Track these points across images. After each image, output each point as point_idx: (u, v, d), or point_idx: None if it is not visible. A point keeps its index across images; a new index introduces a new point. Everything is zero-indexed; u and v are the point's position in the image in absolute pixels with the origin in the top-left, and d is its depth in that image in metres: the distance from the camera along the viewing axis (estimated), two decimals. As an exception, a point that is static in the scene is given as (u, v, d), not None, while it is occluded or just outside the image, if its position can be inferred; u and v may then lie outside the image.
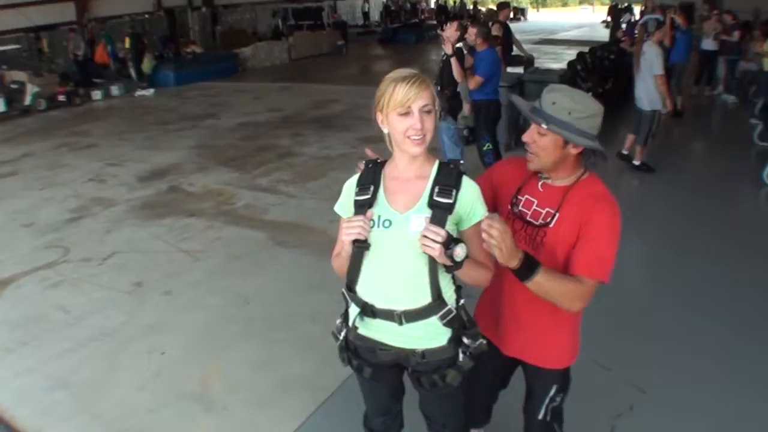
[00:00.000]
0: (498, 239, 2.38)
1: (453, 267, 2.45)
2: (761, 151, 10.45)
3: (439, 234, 2.38)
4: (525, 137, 2.73)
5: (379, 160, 2.73)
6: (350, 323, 2.79)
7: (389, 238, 2.57)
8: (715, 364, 4.82)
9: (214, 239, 7.42)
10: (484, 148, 8.64)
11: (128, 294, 6.14)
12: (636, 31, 18.84)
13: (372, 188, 2.64)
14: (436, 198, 2.56)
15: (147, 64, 19.67)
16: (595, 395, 4.30)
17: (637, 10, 25.28)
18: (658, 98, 9.19)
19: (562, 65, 14.68)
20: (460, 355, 2.71)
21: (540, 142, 2.67)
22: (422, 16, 38.49)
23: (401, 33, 32.78)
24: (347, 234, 2.52)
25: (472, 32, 8.49)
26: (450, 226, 2.55)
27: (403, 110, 2.49)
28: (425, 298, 2.61)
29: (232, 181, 9.66)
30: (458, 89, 8.60)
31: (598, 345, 4.63)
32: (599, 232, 2.64)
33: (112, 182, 9.83)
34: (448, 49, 8.17)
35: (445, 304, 2.64)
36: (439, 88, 8.35)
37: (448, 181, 2.59)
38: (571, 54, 17.43)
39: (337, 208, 2.76)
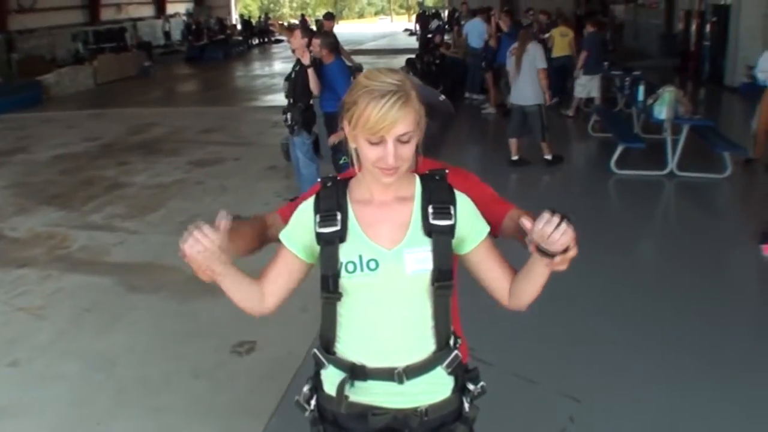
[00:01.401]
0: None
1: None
2: (602, 141, 11.28)
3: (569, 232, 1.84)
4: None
5: (338, 177, 2.19)
6: (325, 389, 2.24)
7: (379, 282, 2.08)
8: (637, 360, 4.86)
9: (55, 291, 6.48)
10: (341, 162, 8.17)
11: (-37, 370, 5.15)
12: (445, 37, 19.33)
13: (339, 217, 2.10)
14: (433, 221, 2.08)
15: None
16: (530, 411, 4.22)
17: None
18: (540, 92, 9.83)
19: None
20: (466, 405, 2.26)
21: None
22: (228, 32, 37.83)
23: (208, 50, 32.25)
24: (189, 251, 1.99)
25: (315, 44, 8.03)
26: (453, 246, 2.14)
27: (375, 139, 1.97)
28: (429, 347, 2.17)
29: (60, 222, 8.65)
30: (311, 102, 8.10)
31: (517, 356, 4.75)
32: None
33: None
34: (305, 60, 7.64)
35: (451, 350, 2.21)
36: (291, 101, 7.86)
37: (441, 197, 2.11)
38: (384, 63, 17.73)
39: (282, 236, 2.19)
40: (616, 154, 9.56)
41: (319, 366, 2.27)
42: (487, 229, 2.16)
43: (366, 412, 2.19)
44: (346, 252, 2.08)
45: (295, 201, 2.43)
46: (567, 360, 4.88)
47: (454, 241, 2.12)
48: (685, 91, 10.60)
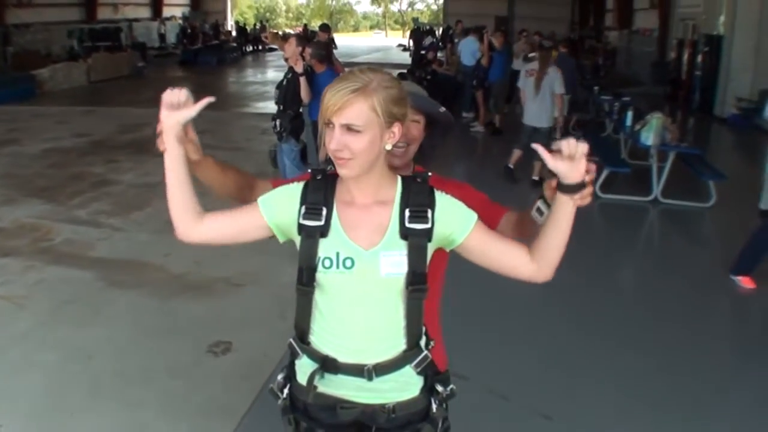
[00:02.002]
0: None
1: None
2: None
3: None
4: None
5: (329, 171, 2.19)
6: (298, 378, 2.29)
7: (353, 281, 2.12)
8: (610, 379, 4.92)
9: (37, 282, 6.49)
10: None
11: (-59, 355, 5.15)
12: (439, 54, 19.37)
13: (324, 212, 2.14)
14: (409, 225, 2.11)
15: None
16: (502, 429, 4.23)
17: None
18: (552, 115, 10.02)
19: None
20: (433, 406, 2.29)
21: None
22: (222, 38, 37.89)
23: (202, 55, 32.20)
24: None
25: (307, 52, 8.09)
26: (431, 252, 2.16)
27: (325, 121, 2.05)
28: (399, 347, 2.21)
29: (46, 215, 8.65)
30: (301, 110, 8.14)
31: (491, 372, 4.77)
32: None
33: None
34: (298, 68, 7.70)
35: (421, 350, 2.24)
36: (281, 108, 7.90)
37: (419, 200, 2.14)
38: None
39: (261, 201, 2.21)
40: (602, 177, 9.50)
41: (294, 356, 2.30)
42: (475, 215, 2.16)
43: (335, 404, 2.23)
44: (324, 247, 2.12)
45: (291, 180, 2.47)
46: (541, 379, 4.92)
47: (437, 242, 2.15)
48: (674, 119, 10.63)
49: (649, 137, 9.57)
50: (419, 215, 2.11)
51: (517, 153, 10.45)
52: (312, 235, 2.12)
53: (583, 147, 1.98)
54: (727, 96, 17.22)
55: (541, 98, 10.04)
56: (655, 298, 6.51)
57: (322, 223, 2.12)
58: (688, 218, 9.28)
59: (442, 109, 2.63)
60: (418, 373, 2.25)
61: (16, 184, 10.20)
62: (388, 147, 2.11)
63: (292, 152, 8.08)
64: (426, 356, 2.25)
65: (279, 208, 2.18)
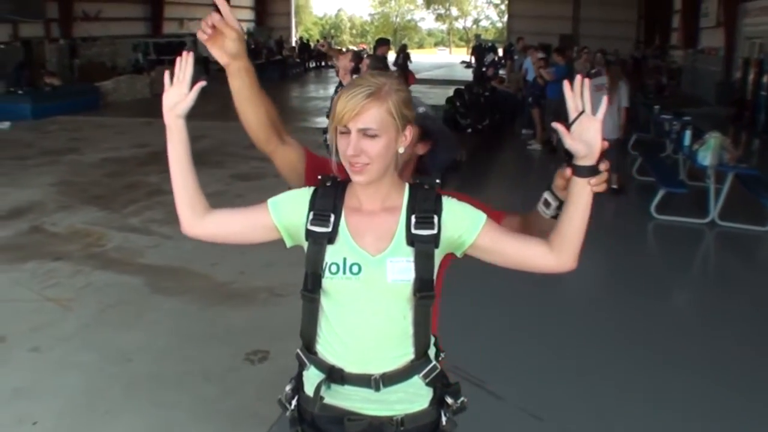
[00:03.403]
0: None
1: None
2: (645, 184, 10.97)
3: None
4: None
5: (339, 179, 2.18)
6: (306, 389, 2.26)
7: (360, 287, 2.09)
8: (667, 401, 4.78)
9: (85, 286, 6.65)
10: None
11: (-13, 352, 5.32)
12: (500, 71, 19.31)
13: (332, 218, 2.12)
14: (415, 231, 2.09)
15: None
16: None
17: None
18: (618, 126, 10.50)
19: (439, 102, 14.62)
20: (443, 419, 2.24)
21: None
22: (286, 54, 38.26)
23: (265, 70, 32.36)
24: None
25: (364, 64, 8.12)
26: (439, 258, 2.13)
27: (342, 128, 2.03)
28: (407, 356, 2.16)
29: (99, 221, 8.85)
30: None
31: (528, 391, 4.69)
32: None
33: (-38, 223, 8.84)
34: (346, 81, 7.74)
35: (430, 360, 2.20)
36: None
37: (425, 206, 2.11)
38: (436, 93, 17.70)
39: (271, 203, 2.20)
40: (657, 197, 9.29)
41: (301, 366, 2.28)
42: (483, 215, 2.13)
43: (342, 416, 2.19)
44: (331, 253, 2.10)
45: (318, 160, 2.51)
46: (569, 398, 4.86)
47: (445, 247, 2.13)
48: (738, 139, 10.35)
49: (706, 157, 9.17)
50: (425, 221, 2.09)
51: (614, 175, 10.41)
52: (319, 241, 2.11)
53: (597, 123, 1.97)
54: (793, 117, 16.70)
55: (611, 111, 10.13)
56: (711, 323, 6.31)
57: (329, 229, 2.11)
58: (746, 242, 8.92)
59: (433, 117, 2.61)
60: (427, 384, 2.21)
61: (73, 191, 10.48)
62: (401, 150, 2.10)
63: (339, 166, 8.12)
64: (435, 366, 2.21)
65: (288, 210, 2.17)
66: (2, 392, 4.73)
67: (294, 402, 2.31)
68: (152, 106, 21.18)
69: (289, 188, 2.38)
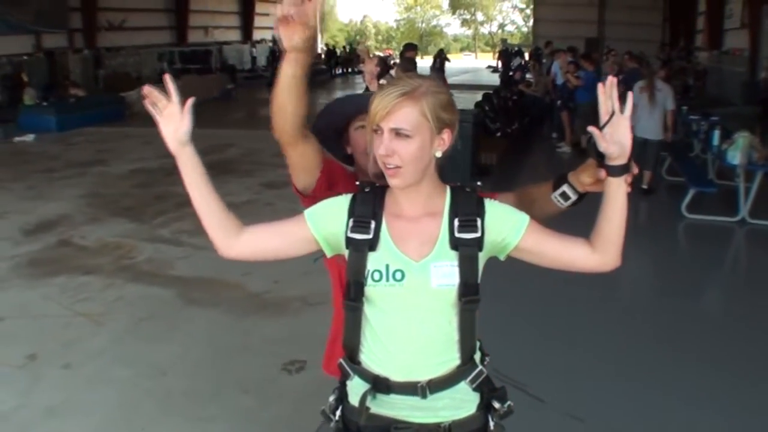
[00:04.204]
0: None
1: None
2: (675, 184, 11.06)
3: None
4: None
5: (377, 184, 2.16)
6: (350, 400, 2.22)
7: (403, 293, 2.07)
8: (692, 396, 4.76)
9: (116, 299, 6.56)
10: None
11: (20, 369, 5.20)
12: (527, 75, 19.27)
13: (373, 225, 2.10)
14: (458, 235, 2.07)
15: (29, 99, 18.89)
16: None
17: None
18: (662, 128, 10.62)
19: (467, 107, 14.54)
20: (491, 423, 2.21)
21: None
22: (312, 60, 38.34)
23: (292, 77, 32.43)
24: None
25: (396, 68, 8.03)
26: (483, 262, 2.13)
27: (374, 126, 2.02)
28: (453, 362, 2.14)
29: (129, 233, 8.79)
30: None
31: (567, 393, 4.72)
32: None
33: (-8, 237, 8.80)
34: (372, 86, 7.61)
35: (476, 365, 2.18)
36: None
37: (468, 209, 2.10)
38: (465, 98, 17.71)
39: (308, 215, 2.16)
40: (688, 197, 9.39)
41: (345, 376, 2.24)
42: (527, 216, 2.13)
43: (389, 425, 2.16)
44: (373, 260, 2.08)
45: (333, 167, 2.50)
46: (623, 400, 4.77)
47: (489, 251, 2.11)
48: (764, 138, 10.35)
49: (735, 156, 9.31)
50: (469, 224, 2.08)
51: (647, 174, 10.61)
52: (360, 249, 2.09)
53: (626, 121, 2.00)
54: (820, 115, 16.71)
55: (653, 111, 10.45)
56: (740, 321, 6.24)
57: (370, 236, 2.08)
58: None
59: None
60: (474, 390, 2.18)
61: (101, 203, 10.43)
62: (438, 154, 2.07)
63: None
64: (481, 371, 2.18)
65: (326, 220, 2.14)
66: (35, 411, 4.62)
67: (338, 413, 2.28)
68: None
69: (294, 186, 2.49)
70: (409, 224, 2.10)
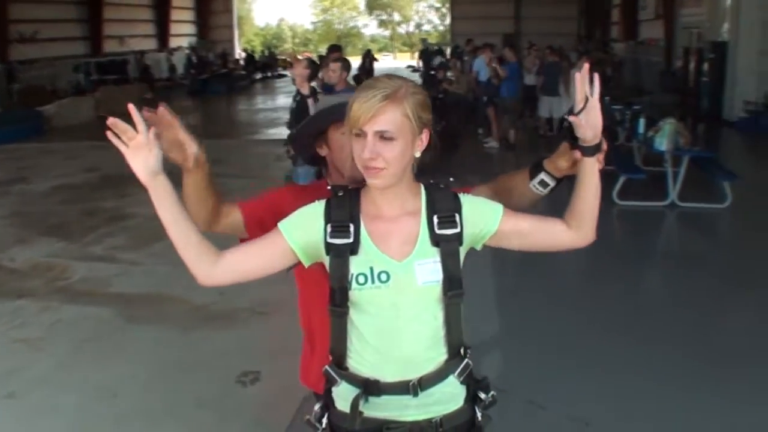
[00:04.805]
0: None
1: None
2: (604, 173, 11.05)
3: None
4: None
5: (350, 187, 2.16)
6: (338, 406, 2.21)
7: (390, 294, 2.08)
8: (641, 384, 4.92)
9: (54, 322, 6.33)
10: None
11: (-41, 402, 4.99)
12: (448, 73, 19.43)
13: (352, 228, 2.09)
14: (439, 231, 2.10)
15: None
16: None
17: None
18: None
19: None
20: (478, 415, 2.25)
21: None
22: (231, 66, 37.94)
23: (211, 84, 32.23)
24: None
25: (335, 67, 7.87)
26: (462, 255, 2.14)
27: (356, 131, 2.00)
28: (441, 356, 2.17)
29: (60, 253, 8.51)
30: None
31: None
32: None
33: None
34: (304, 89, 7.49)
35: (462, 357, 2.20)
36: (293, 131, 7.75)
37: (445, 205, 2.13)
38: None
39: (282, 226, 2.11)
40: (618, 185, 9.70)
41: (330, 383, 2.22)
42: (500, 205, 2.17)
43: (381, 426, 2.16)
44: (356, 264, 2.07)
45: (261, 197, 2.53)
46: (575, 383, 4.92)
47: (468, 243, 2.14)
48: (686, 124, 10.76)
49: (662, 143, 9.79)
50: (448, 220, 2.10)
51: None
52: (341, 254, 2.08)
53: (597, 103, 2.05)
54: (734, 100, 17.62)
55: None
56: (679, 301, 6.59)
57: (350, 240, 2.08)
58: (707, 219, 9.53)
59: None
60: (461, 383, 2.20)
61: (26, 222, 10.08)
62: (418, 154, 2.08)
63: (307, 176, 7.91)
64: (468, 364, 2.21)
65: (302, 229, 2.11)
66: (-20, 447, 4.42)
67: (325, 420, 2.26)
68: (99, 129, 20.77)
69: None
70: (388, 225, 2.11)
